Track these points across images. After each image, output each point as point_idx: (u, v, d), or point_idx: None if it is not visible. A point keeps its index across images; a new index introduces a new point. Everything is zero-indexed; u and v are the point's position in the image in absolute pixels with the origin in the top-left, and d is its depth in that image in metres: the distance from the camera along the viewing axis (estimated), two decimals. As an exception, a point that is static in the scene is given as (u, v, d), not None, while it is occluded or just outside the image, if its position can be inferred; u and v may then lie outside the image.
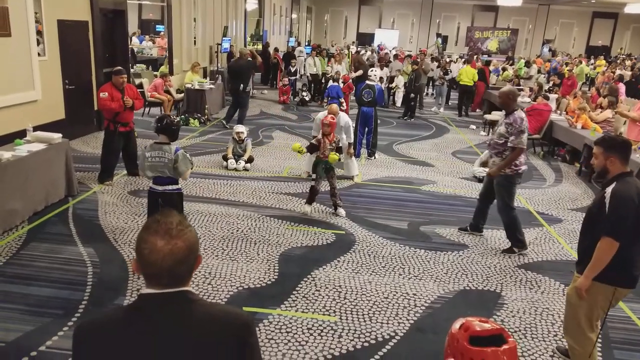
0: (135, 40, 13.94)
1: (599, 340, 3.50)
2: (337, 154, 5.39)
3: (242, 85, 9.43)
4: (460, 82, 12.67)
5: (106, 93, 5.77)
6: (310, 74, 13.71)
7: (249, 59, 10.34)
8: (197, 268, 1.36)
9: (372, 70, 8.58)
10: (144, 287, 1.30)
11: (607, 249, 2.64)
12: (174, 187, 3.99)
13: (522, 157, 4.62)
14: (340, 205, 5.51)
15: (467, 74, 12.54)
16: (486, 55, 19.49)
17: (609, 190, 2.70)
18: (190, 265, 1.30)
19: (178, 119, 4.37)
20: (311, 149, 5.49)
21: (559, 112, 9.66)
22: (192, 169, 4.10)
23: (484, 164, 7.35)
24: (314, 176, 5.68)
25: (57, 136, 5.42)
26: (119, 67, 6.17)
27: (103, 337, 1.26)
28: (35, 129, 5.70)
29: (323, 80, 13.49)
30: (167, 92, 10.35)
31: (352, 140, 6.76)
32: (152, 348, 1.23)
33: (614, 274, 2.69)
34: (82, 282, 3.83)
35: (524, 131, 4.49)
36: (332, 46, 21.52)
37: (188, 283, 1.32)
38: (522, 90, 11.68)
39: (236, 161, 6.99)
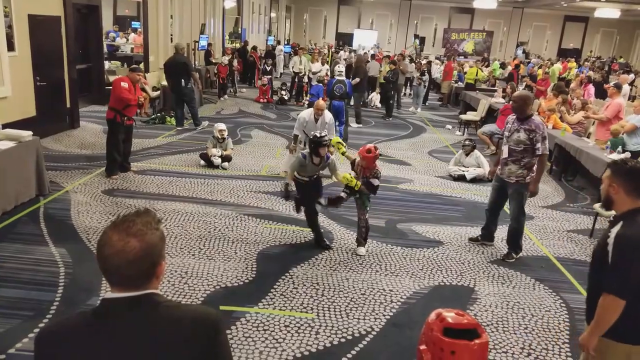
0: (112, 34, 13.67)
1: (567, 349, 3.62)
2: (358, 183, 4.36)
3: (182, 80, 8.91)
4: (467, 81, 14.42)
5: (127, 83, 5.95)
6: (294, 72, 13.70)
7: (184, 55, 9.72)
8: (159, 277, 1.27)
9: (337, 67, 9.16)
10: (109, 290, 1.27)
11: (611, 308, 2.11)
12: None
13: None
14: (363, 244, 4.64)
15: (472, 74, 14.49)
16: (462, 57, 19.81)
17: (613, 232, 2.13)
18: (144, 270, 1.22)
19: None
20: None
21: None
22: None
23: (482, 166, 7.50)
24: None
25: (27, 134, 5.28)
26: (136, 65, 6.51)
27: (65, 344, 1.22)
28: (5, 126, 5.54)
29: (305, 80, 13.41)
30: (143, 89, 10.15)
31: (333, 137, 6.82)
32: (116, 354, 1.20)
33: (625, 329, 2.13)
34: (53, 282, 3.74)
35: (546, 136, 4.44)
36: (312, 46, 21.56)
37: (151, 286, 1.25)
38: (496, 91, 12.02)
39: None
